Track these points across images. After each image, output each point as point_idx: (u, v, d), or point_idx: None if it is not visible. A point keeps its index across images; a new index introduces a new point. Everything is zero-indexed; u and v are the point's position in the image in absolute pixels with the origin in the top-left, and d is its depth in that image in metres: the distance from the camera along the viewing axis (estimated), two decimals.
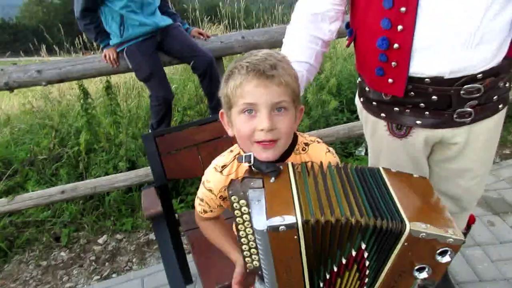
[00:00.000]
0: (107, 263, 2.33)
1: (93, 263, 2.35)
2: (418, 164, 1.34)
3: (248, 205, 0.86)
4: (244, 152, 0.99)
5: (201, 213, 1.13)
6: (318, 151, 1.05)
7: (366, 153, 3.13)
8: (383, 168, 0.95)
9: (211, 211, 1.11)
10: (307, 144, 1.05)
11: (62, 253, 2.45)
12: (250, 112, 0.90)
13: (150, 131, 2.61)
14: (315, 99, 3.18)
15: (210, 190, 1.05)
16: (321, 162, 0.96)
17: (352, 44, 1.30)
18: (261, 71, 0.88)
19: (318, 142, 1.07)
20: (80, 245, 2.49)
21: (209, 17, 5.89)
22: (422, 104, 1.17)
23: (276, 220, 0.77)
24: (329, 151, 1.06)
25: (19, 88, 2.24)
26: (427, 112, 1.19)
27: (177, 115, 3.06)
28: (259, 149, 0.92)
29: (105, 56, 2.32)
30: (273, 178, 0.88)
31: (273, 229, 0.77)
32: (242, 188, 0.88)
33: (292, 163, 0.94)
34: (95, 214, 2.63)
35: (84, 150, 2.80)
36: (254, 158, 0.93)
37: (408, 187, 0.91)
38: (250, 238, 0.89)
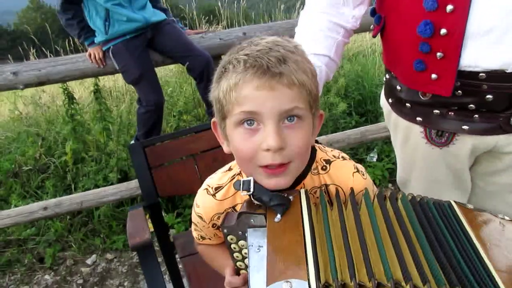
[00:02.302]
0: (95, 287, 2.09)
1: (80, 287, 2.11)
2: (461, 178, 1.12)
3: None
4: (246, 175, 0.75)
5: (198, 239, 0.93)
6: (343, 171, 0.80)
7: (379, 160, 2.94)
8: (456, 202, 0.70)
9: (209, 238, 0.90)
10: (328, 162, 0.81)
11: (46, 276, 2.21)
12: (251, 124, 0.66)
13: None
14: (322, 102, 2.96)
15: (200, 217, 0.83)
16: (352, 189, 0.72)
17: (379, 36, 1.07)
18: (265, 67, 0.63)
19: (344, 159, 0.83)
20: (66, 266, 2.26)
21: (207, 18, 5.70)
22: (471, 106, 0.95)
23: (279, 287, 0.52)
24: (357, 171, 0.81)
25: None
26: (476, 115, 0.97)
27: (172, 120, 2.83)
28: (266, 176, 0.68)
29: (89, 55, 2.09)
30: (279, 216, 0.63)
31: None
32: (240, 226, 0.65)
33: (305, 191, 0.69)
34: (83, 231, 2.40)
35: (71, 160, 2.57)
36: (255, 184, 0.68)
37: (498, 235, 0.65)
38: None
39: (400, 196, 0.68)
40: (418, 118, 1.05)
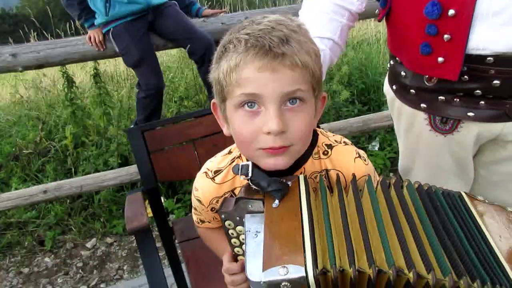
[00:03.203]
0: (95, 271, 2.10)
1: (80, 270, 2.12)
2: (464, 167, 1.10)
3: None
4: (246, 158, 0.73)
5: (198, 223, 0.92)
6: (344, 156, 0.78)
7: (381, 149, 2.92)
8: (466, 193, 0.68)
9: (209, 222, 0.89)
10: (330, 147, 0.79)
11: (46, 259, 2.21)
12: (252, 106, 0.64)
13: None
14: (325, 89, 2.93)
15: (199, 201, 0.82)
16: (354, 175, 0.70)
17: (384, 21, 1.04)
18: (267, 48, 0.60)
19: (345, 144, 0.81)
20: (66, 249, 2.26)
21: (210, 3, 5.63)
22: (477, 91, 0.93)
23: (276, 273, 0.51)
24: (359, 156, 0.79)
25: None
26: (482, 102, 0.94)
27: (173, 105, 2.80)
28: (265, 155, 0.66)
29: (89, 38, 2.05)
30: (276, 201, 0.62)
31: (272, 286, 0.51)
32: (237, 212, 0.64)
33: (304, 176, 0.67)
34: (83, 215, 2.40)
35: (71, 144, 2.55)
36: (253, 169, 0.66)
37: (509, 228, 0.63)
38: None
39: (406, 183, 0.66)
40: (423, 105, 1.02)
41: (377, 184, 0.66)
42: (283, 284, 0.51)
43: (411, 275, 0.50)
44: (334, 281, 0.52)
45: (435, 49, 0.90)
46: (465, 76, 0.90)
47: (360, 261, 0.52)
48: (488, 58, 0.86)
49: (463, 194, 0.69)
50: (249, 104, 0.64)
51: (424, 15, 0.87)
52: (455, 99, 0.97)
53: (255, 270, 0.55)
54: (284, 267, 0.51)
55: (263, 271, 0.52)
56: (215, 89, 0.70)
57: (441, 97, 0.98)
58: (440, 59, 0.90)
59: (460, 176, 1.11)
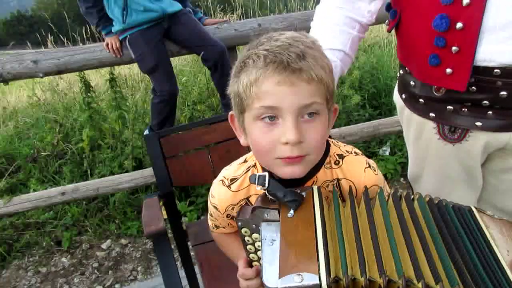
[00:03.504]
0: (110, 271, 2.16)
1: (96, 270, 2.18)
2: (472, 175, 1.11)
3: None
4: (262, 166, 0.77)
5: (213, 228, 0.95)
6: (355, 166, 0.81)
7: (391, 154, 2.92)
8: (476, 208, 0.70)
9: (224, 227, 0.92)
10: (341, 157, 0.82)
11: (63, 259, 2.28)
12: (271, 118, 0.68)
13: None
14: (336, 94, 2.94)
15: (215, 207, 0.86)
16: (366, 187, 0.73)
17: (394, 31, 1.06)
18: (285, 63, 0.64)
19: (356, 154, 0.84)
20: (82, 250, 2.32)
21: (222, 6, 5.67)
22: (485, 102, 0.94)
23: (291, 280, 0.54)
24: (369, 166, 0.82)
25: (14, 80, 2.06)
26: (490, 112, 0.96)
27: (186, 109, 2.85)
28: (282, 164, 0.70)
29: (107, 44, 2.12)
30: (292, 211, 0.65)
31: None
32: (254, 220, 0.67)
33: (318, 187, 0.71)
34: (99, 217, 2.46)
35: (87, 147, 2.62)
36: (270, 180, 0.70)
37: None
38: None
39: (417, 196, 0.68)
40: (431, 114, 1.04)
41: (389, 197, 0.68)
42: None
43: (420, 285, 0.52)
44: None
45: (443, 61, 0.92)
46: (473, 87, 0.92)
47: (371, 271, 0.55)
48: (496, 70, 0.88)
49: (473, 208, 0.71)
50: (269, 117, 0.67)
51: (433, 27, 0.89)
52: (463, 109, 0.98)
53: (271, 277, 0.58)
54: (299, 274, 0.54)
55: (279, 278, 0.55)
56: (233, 101, 0.73)
57: (450, 107, 1.00)
58: (448, 70, 0.92)
59: (468, 184, 1.12)
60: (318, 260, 0.56)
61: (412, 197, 0.69)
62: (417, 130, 1.12)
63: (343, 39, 1.03)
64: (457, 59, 0.90)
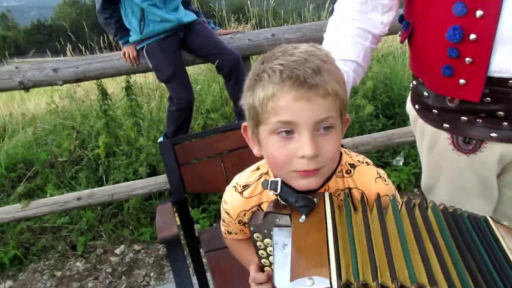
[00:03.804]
0: (123, 277, 2.18)
1: (109, 275, 2.21)
2: (488, 186, 1.10)
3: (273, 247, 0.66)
4: (274, 175, 0.78)
5: (225, 234, 0.96)
6: (366, 176, 0.82)
7: (405, 164, 2.89)
8: (492, 218, 0.70)
9: (236, 233, 0.94)
10: (353, 166, 0.83)
11: (78, 263, 2.32)
12: (287, 133, 0.68)
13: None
14: (349, 104, 2.94)
15: (227, 213, 0.87)
16: (378, 194, 0.74)
17: (406, 41, 1.07)
18: (302, 79, 0.65)
19: (367, 164, 0.85)
20: (96, 255, 2.36)
21: (236, 16, 5.73)
22: (500, 113, 0.94)
23: (303, 283, 0.55)
24: (379, 176, 0.82)
25: (34, 88, 2.12)
26: (505, 123, 0.95)
27: (200, 118, 2.89)
28: (298, 177, 0.71)
29: (124, 54, 2.17)
30: (303, 217, 0.66)
31: None
32: (266, 225, 0.68)
33: (330, 194, 0.71)
34: (113, 222, 2.50)
35: (103, 153, 2.67)
36: (282, 185, 0.71)
37: None
38: None
39: (431, 205, 0.68)
40: (445, 125, 1.04)
41: (402, 204, 0.69)
42: None
43: None
44: None
45: (456, 72, 0.92)
46: (487, 98, 0.92)
47: (383, 276, 0.55)
48: (510, 81, 0.87)
49: (488, 218, 0.71)
50: (286, 132, 0.68)
51: (446, 38, 0.89)
52: (477, 120, 0.98)
53: (283, 280, 0.59)
54: (311, 278, 0.55)
55: (290, 281, 0.56)
56: (248, 114, 0.74)
57: (464, 118, 0.99)
58: (462, 81, 0.92)
59: (484, 195, 1.11)
60: (329, 264, 0.56)
61: (426, 205, 0.69)
62: (430, 140, 1.11)
63: (356, 50, 1.04)
64: (470, 70, 0.90)
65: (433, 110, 1.06)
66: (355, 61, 1.04)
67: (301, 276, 0.55)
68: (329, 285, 0.54)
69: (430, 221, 0.65)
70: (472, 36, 0.86)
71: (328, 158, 0.70)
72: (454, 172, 1.09)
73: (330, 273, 0.55)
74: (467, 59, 0.89)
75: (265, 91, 0.68)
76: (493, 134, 0.97)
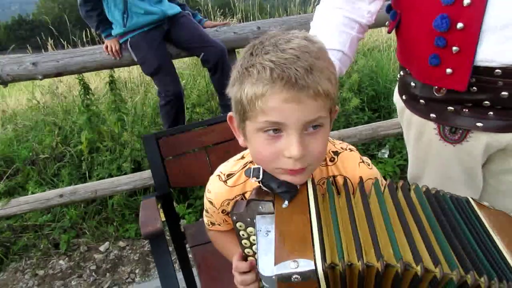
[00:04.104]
0: (108, 274, 2.14)
1: (93, 273, 2.16)
2: (473, 176, 1.10)
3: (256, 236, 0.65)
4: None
5: (208, 225, 0.95)
6: (349, 162, 0.81)
7: (390, 156, 2.91)
8: (473, 199, 0.70)
9: (219, 224, 0.92)
10: (336, 153, 0.82)
11: (61, 261, 2.26)
12: (275, 131, 0.66)
13: None
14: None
15: (211, 202, 0.86)
16: (361, 177, 0.73)
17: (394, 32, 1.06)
18: (293, 80, 0.62)
19: (351, 150, 0.84)
20: (80, 252, 2.31)
21: (222, 10, 5.68)
22: (486, 102, 0.94)
23: (287, 266, 0.54)
24: (362, 161, 0.82)
25: (14, 82, 2.05)
26: (491, 112, 0.95)
27: (185, 112, 2.85)
28: (284, 174, 0.69)
29: (106, 47, 2.12)
30: (286, 202, 0.65)
31: (283, 279, 0.54)
32: (248, 213, 0.67)
33: (312, 179, 0.71)
34: (97, 219, 2.45)
35: (86, 149, 2.61)
36: (264, 172, 0.70)
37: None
38: None
39: (414, 187, 0.68)
40: (432, 115, 1.04)
41: (385, 187, 0.68)
42: (294, 277, 0.54)
43: (418, 268, 0.52)
44: (342, 275, 0.55)
45: (443, 61, 0.92)
46: (474, 87, 0.92)
47: (368, 256, 0.55)
48: (496, 70, 0.87)
49: (470, 199, 0.71)
50: (274, 130, 0.66)
51: (433, 27, 0.89)
52: (464, 110, 0.98)
53: (267, 266, 0.58)
54: (295, 261, 0.54)
55: (274, 265, 0.55)
56: (234, 106, 0.71)
57: (450, 108, 0.99)
58: (449, 70, 0.92)
59: (469, 185, 1.11)
60: (313, 247, 0.56)
61: (408, 187, 0.69)
62: (417, 131, 1.12)
63: (342, 39, 1.03)
64: (457, 59, 0.90)
65: (420, 101, 1.06)
66: (341, 50, 1.03)
67: (286, 259, 0.55)
68: (313, 267, 0.53)
69: (413, 202, 0.66)
70: (459, 25, 0.86)
71: (315, 156, 0.68)
72: (440, 162, 1.10)
73: (314, 255, 0.54)
74: (454, 48, 0.89)
75: (254, 89, 0.64)
76: (479, 124, 0.97)
